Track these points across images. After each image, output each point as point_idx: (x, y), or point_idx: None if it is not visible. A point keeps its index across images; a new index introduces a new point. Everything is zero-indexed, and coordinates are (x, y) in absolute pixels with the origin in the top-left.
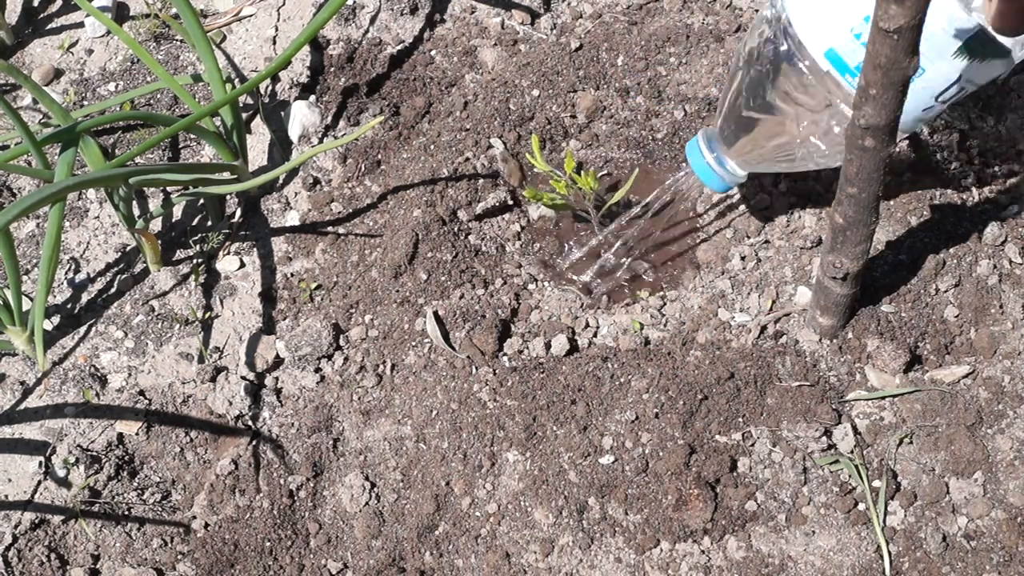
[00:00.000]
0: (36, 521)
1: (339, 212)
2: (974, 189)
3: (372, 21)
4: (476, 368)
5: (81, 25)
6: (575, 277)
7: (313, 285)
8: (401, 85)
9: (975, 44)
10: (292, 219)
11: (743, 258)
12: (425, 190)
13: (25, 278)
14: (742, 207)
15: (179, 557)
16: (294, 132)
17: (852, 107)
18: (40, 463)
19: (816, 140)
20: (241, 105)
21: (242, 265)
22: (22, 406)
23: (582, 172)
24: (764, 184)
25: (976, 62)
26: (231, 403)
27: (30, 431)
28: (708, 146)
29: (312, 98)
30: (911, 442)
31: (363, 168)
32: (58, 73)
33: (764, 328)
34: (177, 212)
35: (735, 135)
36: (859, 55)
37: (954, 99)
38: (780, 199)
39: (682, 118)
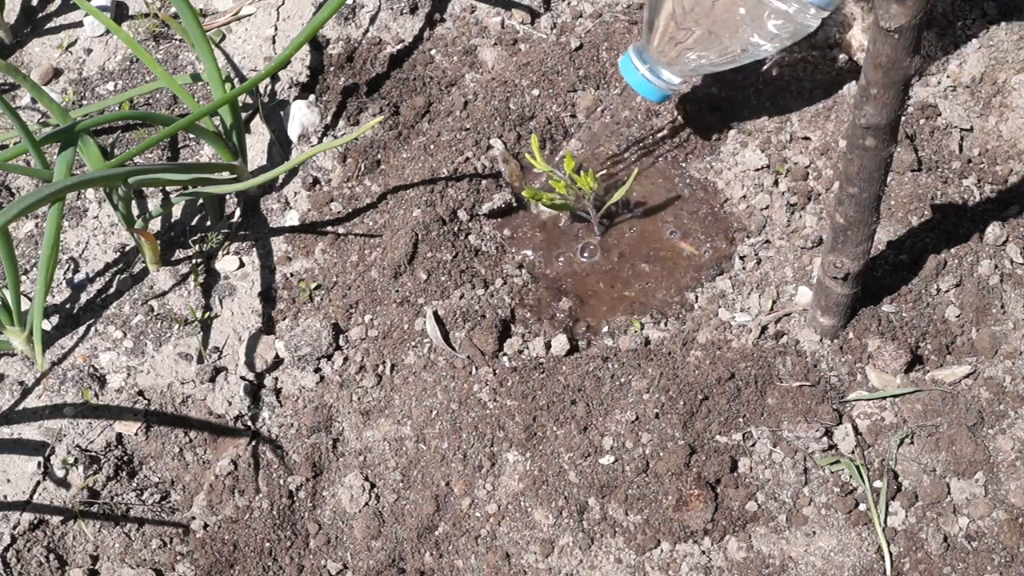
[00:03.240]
0: (35, 521)
1: (339, 212)
2: (974, 189)
3: (372, 20)
4: (476, 368)
5: (80, 24)
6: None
7: (313, 285)
8: (401, 85)
9: None
10: (292, 219)
11: (743, 258)
12: (425, 190)
13: (24, 278)
14: (742, 205)
15: (178, 558)
16: (293, 132)
17: (853, 106)
18: (39, 463)
19: (745, 29)
20: (240, 105)
21: (241, 265)
22: (21, 406)
23: (582, 172)
24: (764, 184)
25: None
26: (230, 403)
27: (29, 431)
28: (640, 59)
29: (312, 98)
30: (912, 442)
31: (363, 168)
32: (57, 72)
33: (765, 328)
34: (176, 212)
35: (663, 41)
36: None
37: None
38: (779, 198)
39: (682, 118)
